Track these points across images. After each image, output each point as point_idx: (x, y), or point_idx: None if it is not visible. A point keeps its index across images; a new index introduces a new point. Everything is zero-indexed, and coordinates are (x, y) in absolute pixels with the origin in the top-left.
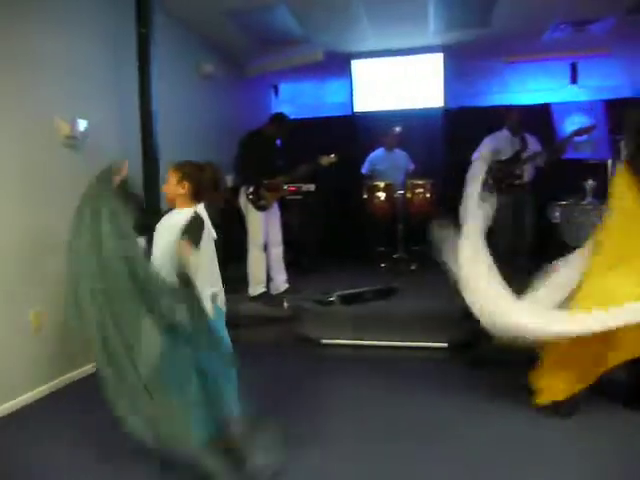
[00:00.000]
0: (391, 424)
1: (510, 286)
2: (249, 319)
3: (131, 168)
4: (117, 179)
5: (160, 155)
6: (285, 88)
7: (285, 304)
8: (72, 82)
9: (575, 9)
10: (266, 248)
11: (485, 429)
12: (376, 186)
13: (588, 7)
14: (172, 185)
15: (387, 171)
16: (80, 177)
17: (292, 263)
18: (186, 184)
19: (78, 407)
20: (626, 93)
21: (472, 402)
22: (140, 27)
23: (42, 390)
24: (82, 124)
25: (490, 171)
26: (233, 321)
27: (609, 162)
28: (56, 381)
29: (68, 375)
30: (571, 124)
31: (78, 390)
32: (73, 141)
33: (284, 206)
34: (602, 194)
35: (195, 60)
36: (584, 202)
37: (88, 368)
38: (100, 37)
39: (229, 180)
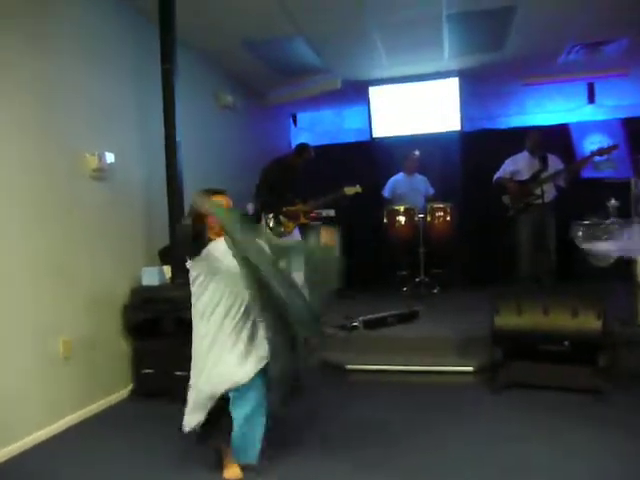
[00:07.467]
0: (417, 452)
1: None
2: None
3: (156, 197)
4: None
5: (184, 184)
6: (303, 117)
7: None
8: (100, 116)
9: (588, 32)
10: None
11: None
12: (397, 210)
13: (601, 29)
14: None
15: (407, 195)
16: (107, 207)
17: None
18: None
19: (111, 432)
20: None
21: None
22: (164, 63)
23: (72, 418)
24: (109, 157)
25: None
26: None
27: (632, 181)
28: (85, 410)
29: (97, 403)
30: (590, 143)
31: (108, 417)
32: (100, 173)
33: (306, 232)
34: (626, 213)
35: (214, 91)
36: (607, 221)
37: (115, 396)
38: (126, 73)
39: (250, 208)
